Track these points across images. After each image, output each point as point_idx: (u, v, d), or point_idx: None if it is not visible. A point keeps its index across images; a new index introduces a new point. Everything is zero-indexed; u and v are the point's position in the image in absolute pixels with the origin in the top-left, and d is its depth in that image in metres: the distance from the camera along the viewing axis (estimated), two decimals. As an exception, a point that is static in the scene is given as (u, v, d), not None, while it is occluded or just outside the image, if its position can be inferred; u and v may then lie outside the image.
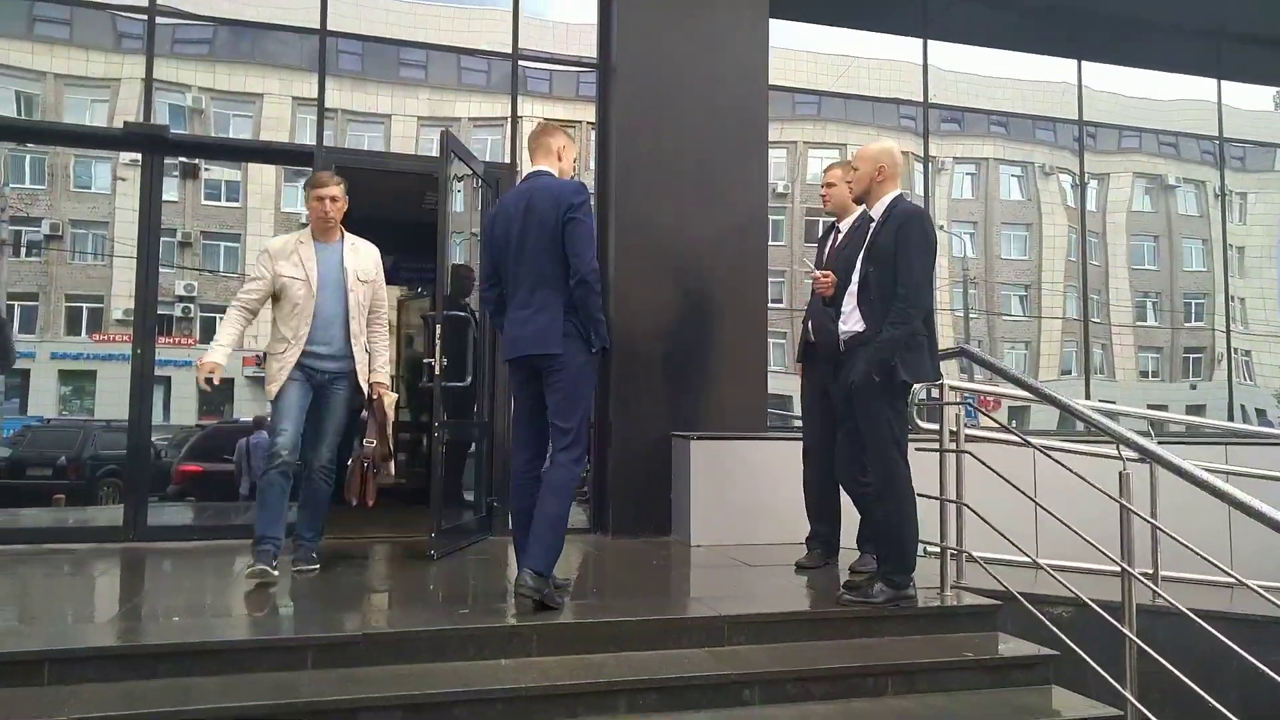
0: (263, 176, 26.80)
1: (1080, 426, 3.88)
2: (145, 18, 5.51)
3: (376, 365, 4.39)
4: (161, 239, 5.32)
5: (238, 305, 4.19)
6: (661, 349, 5.68)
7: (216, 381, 3.99)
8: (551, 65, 6.39)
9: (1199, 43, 7.51)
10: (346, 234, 4.36)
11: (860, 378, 3.67)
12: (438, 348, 4.73)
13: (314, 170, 4.37)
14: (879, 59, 7.20)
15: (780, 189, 7.40)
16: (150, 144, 5.35)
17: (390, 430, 4.51)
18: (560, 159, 3.86)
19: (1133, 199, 9.93)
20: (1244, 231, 9.80)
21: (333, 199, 4.20)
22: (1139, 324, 11.36)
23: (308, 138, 5.87)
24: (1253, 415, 9.08)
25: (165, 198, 5.45)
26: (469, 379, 5.05)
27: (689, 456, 5.30)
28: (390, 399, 4.45)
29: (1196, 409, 10.27)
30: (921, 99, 6.82)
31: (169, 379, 21.33)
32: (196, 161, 20.17)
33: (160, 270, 5.35)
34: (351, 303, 4.24)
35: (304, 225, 4.52)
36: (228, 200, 27.26)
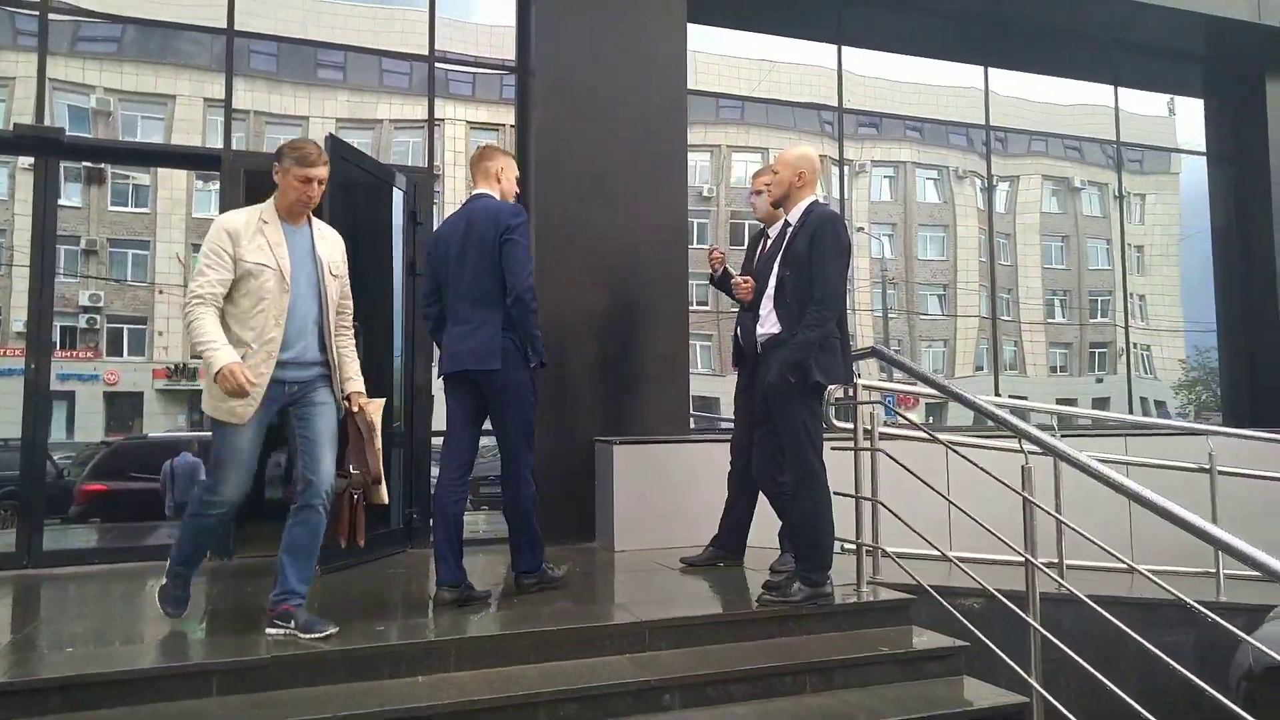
0: (173, 181, 25.73)
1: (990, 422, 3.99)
2: (37, 14, 5.26)
3: (350, 372, 3.57)
4: (65, 247, 5.06)
5: (204, 301, 3.20)
6: (583, 353, 5.65)
7: (258, 381, 3.22)
8: (470, 68, 6.30)
9: (1098, 51, 7.84)
10: (312, 218, 3.56)
11: (775, 378, 3.73)
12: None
13: (301, 144, 3.43)
14: (799, 64, 7.30)
15: (705, 192, 7.41)
16: (44, 147, 5.10)
17: (379, 445, 3.63)
18: (500, 180, 4.08)
19: (1042, 201, 10.30)
20: (1143, 231, 10.22)
21: (321, 181, 3.41)
22: (1049, 320, 11.81)
23: (219, 141, 5.68)
24: (1152, 407, 9.50)
25: (69, 203, 5.15)
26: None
27: (612, 461, 5.29)
28: (376, 406, 3.65)
29: (1102, 402, 10.72)
30: (840, 112, 6.97)
31: (73, 394, 20.39)
32: (101, 165, 19.35)
33: (64, 279, 5.07)
34: (328, 300, 3.46)
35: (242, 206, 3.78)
36: (136, 206, 26.21)
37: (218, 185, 5.41)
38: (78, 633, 3.56)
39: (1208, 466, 4.88)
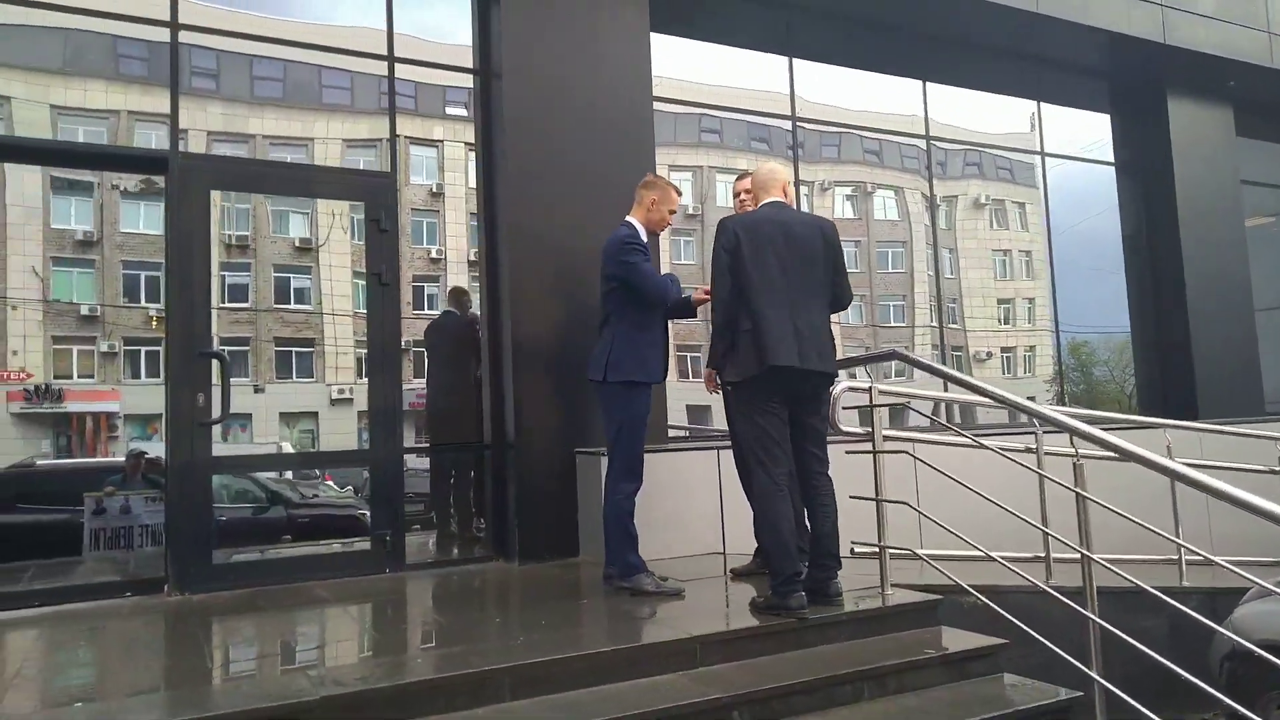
0: (23, 186, 23.69)
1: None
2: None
3: None
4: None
5: None
6: (560, 363, 5.50)
7: None
8: (430, 69, 6.01)
9: (1016, 66, 8.24)
10: None
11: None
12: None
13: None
14: (764, 90, 7.24)
15: (691, 209, 7.35)
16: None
17: None
18: (648, 209, 4.55)
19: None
20: (1028, 238, 10.77)
21: None
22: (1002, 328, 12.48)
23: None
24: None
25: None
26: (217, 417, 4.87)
27: (598, 473, 5.16)
28: None
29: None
30: (794, 121, 7.07)
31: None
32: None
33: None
34: None
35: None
36: (-17, 216, 24.02)
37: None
38: (38, 688, 3.18)
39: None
